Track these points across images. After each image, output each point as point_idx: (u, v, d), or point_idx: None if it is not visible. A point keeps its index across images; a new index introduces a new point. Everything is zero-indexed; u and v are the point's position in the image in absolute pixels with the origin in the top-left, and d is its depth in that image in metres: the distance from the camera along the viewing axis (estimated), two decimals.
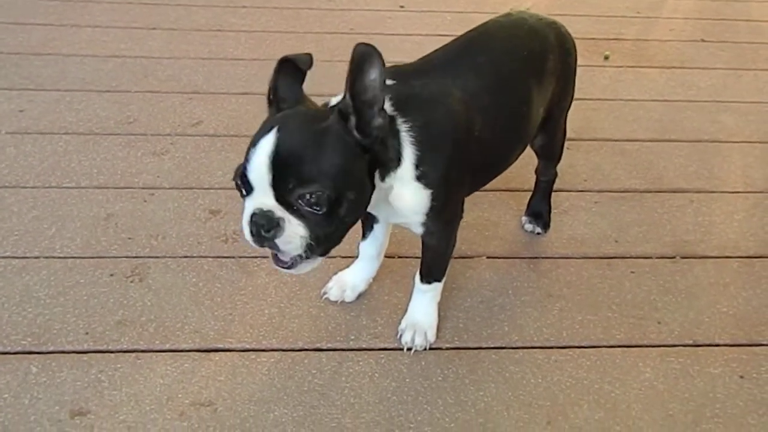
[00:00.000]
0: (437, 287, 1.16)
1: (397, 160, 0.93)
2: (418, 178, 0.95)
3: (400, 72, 0.98)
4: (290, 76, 0.90)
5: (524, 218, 1.46)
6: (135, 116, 1.81)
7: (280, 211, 0.83)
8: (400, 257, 1.36)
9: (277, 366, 1.12)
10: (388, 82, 0.91)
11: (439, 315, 1.20)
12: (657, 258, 1.39)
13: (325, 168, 0.82)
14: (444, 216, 1.03)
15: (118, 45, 2.20)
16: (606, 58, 2.24)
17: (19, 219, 1.42)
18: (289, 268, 0.91)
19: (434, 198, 0.97)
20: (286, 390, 1.08)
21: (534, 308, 1.26)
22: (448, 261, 1.14)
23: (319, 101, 0.96)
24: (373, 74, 0.81)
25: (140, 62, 2.10)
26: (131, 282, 1.28)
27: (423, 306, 1.18)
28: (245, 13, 2.50)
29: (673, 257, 1.40)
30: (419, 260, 1.15)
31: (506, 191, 1.58)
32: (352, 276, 1.26)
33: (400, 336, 1.17)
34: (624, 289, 1.31)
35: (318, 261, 0.92)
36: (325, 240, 0.88)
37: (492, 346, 1.18)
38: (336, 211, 0.85)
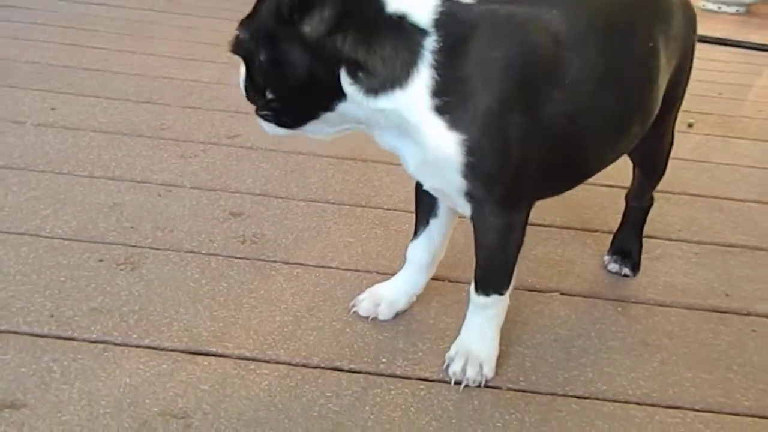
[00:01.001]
0: (498, 303, 0.87)
1: (402, 78, 0.70)
2: (439, 111, 0.70)
3: None
4: None
5: (608, 257, 1.18)
6: (169, 124, 1.66)
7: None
8: (451, 281, 1.09)
9: (281, 382, 0.84)
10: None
11: (500, 347, 0.91)
12: None
13: (252, 12, 0.75)
14: (499, 191, 0.76)
15: (169, 70, 2.12)
16: (690, 125, 2.02)
17: (14, 198, 1.23)
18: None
19: (471, 151, 0.71)
20: (289, 412, 0.79)
21: (626, 356, 0.96)
22: (512, 265, 0.85)
23: None
24: None
25: (187, 84, 1.99)
26: (121, 270, 1.04)
27: (479, 329, 0.89)
28: None
29: None
30: None
31: (582, 230, 1.31)
32: (391, 289, 0.99)
33: (448, 365, 0.88)
34: (747, 349, 1.00)
35: (266, 125, 0.82)
36: (251, 91, 0.79)
37: (572, 394, 0.87)
38: (255, 63, 0.75)
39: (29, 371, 0.82)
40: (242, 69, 0.79)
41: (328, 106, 0.75)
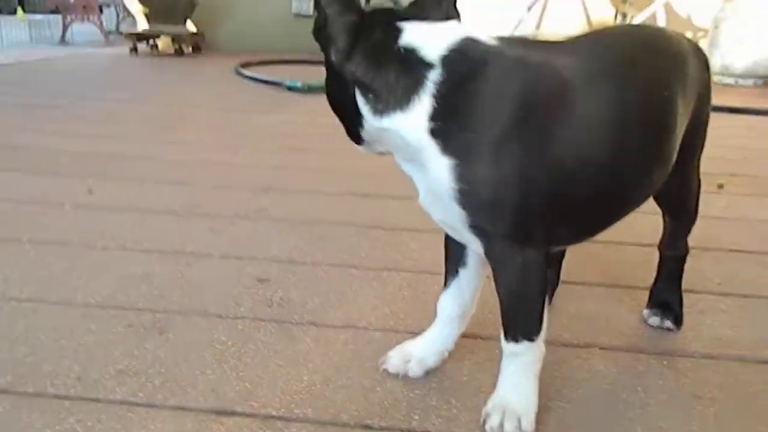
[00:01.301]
0: (531, 351, 0.83)
1: (404, 103, 0.74)
2: (433, 134, 0.73)
3: (516, 40, 0.81)
4: None
5: (647, 311, 1.13)
6: (201, 203, 1.70)
7: None
8: (483, 339, 1.05)
9: None
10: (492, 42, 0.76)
11: (539, 402, 0.86)
12: None
13: None
14: (505, 226, 0.75)
15: (202, 155, 2.21)
16: (720, 186, 1.99)
17: (50, 270, 1.26)
18: None
19: (462, 177, 0.72)
20: None
21: (677, 410, 0.89)
22: (537, 308, 0.81)
23: None
24: None
25: (218, 167, 2.07)
26: (149, 334, 1.04)
27: (515, 380, 0.84)
28: (324, 135, 2.51)
29: None
30: None
31: (618, 287, 1.27)
32: (421, 346, 0.96)
33: (485, 421, 0.83)
34: None
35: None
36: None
37: None
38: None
39: None
40: None
41: (359, 123, 0.80)
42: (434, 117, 0.73)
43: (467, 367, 0.98)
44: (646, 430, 0.85)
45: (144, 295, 1.17)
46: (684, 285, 1.18)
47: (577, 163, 0.76)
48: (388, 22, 0.77)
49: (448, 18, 0.79)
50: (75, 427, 0.81)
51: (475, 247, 0.81)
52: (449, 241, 0.91)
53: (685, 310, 1.14)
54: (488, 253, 0.79)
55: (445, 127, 0.73)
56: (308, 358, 0.99)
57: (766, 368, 1.01)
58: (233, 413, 0.85)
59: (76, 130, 2.54)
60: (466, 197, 0.74)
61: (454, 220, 0.77)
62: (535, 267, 0.78)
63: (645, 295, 1.17)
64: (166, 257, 1.34)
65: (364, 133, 0.81)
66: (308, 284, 1.24)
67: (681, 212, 1.07)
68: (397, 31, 0.76)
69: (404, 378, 0.94)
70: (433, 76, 0.73)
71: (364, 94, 0.77)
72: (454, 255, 0.92)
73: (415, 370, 0.94)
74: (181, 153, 2.23)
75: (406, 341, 0.98)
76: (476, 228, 0.76)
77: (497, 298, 0.82)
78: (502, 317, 0.82)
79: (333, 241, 1.46)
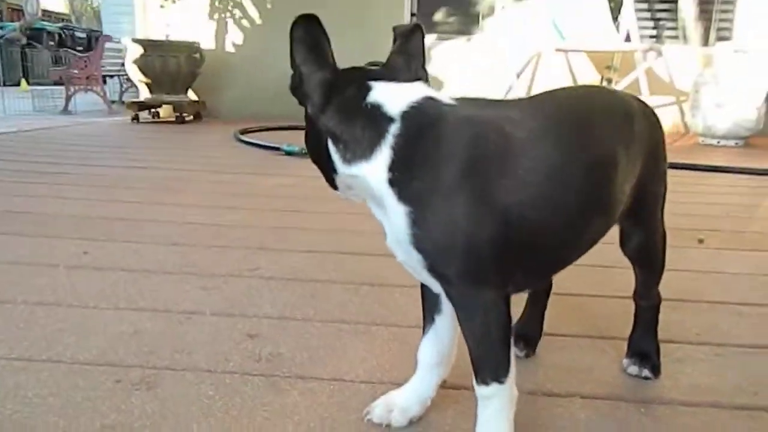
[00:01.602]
0: (502, 394, 0.85)
1: (368, 153, 0.82)
2: (390, 183, 0.81)
3: (473, 99, 0.89)
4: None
5: (626, 360, 1.16)
6: (194, 262, 1.74)
7: None
8: (467, 389, 1.07)
9: None
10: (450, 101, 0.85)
11: None
12: None
13: None
14: (457, 268, 0.80)
15: (196, 217, 2.27)
16: (701, 241, 2.04)
17: (41, 329, 1.28)
18: None
19: (416, 223, 0.79)
20: None
21: None
22: (501, 349, 0.84)
23: None
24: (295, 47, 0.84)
25: (214, 228, 2.12)
26: (136, 390, 1.05)
27: (489, 424, 0.87)
28: (318, 197, 2.58)
29: None
30: None
31: (599, 338, 1.30)
32: (404, 395, 0.98)
33: None
34: None
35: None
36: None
37: None
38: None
39: None
40: None
41: (332, 169, 0.87)
42: (392, 167, 0.80)
43: (450, 416, 1.00)
44: None
45: (134, 351, 1.19)
46: (664, 335, 1.21)
47: (520, 211, 0.82)
48: (360, 80, 0.85)
49: (416, 79, 0.87)
50: None
51: (436, 289, 0.86)
52: (425, 289, 0.95)
53: (663, 359, 1.17)
54: (449, 296, 0.84)
55: (401, 176, 0.80)
56: (294, 411, 1.00)
57: (742, 414, 1.03)
58: None
59: (75, 195, 2.61)
60: (420, 242, 0.80)
61: (413, 262, 0.83)
62: (495, 309, 0.82)
63: (626, 346, 1.20)
64: (157, 315, 1.37)
65: (338, 180, 0.88)
66: (298, 339, 1.27)
67: (648, 263, 1.12)
68: (367, 89, 0.84)
69: (387, 428, 0.95)
70: (393, 129, 0.81)
71: (336, 144, 0.84)
72: (429, 302, 0.96)
73: (398, 419, 0.96)
74: (178, 215, 2.28)
75: (390, 391, 1.01)
76: (434, 271, 0.82)
77: None
78: (471, 360, 0.86)
79: (324, 298, 1.49)
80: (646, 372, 1.13)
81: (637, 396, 1.08)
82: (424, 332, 0.97)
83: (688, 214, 2.45)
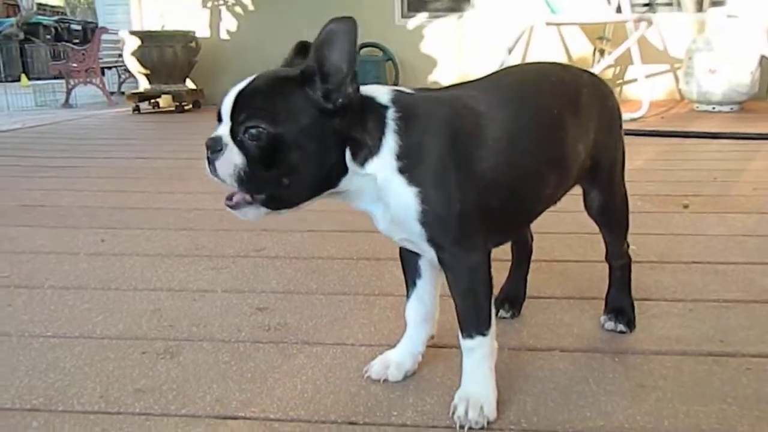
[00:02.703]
0: (484, 344, 0.97)
1: (377, 147, 0.90)
2: (401, 171, 0.90)
3: (426, 89, 1.00)
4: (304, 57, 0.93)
5: (603, 317, 1.27)
6: (204, 245, 1.86)
7: (227, 138, 0.90)
8: (457, 348, 1.18)
9: None
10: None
11: (500, 395, 0.99)
12: None
13: (273, 109, 0.87)
14: (453, 235, 0.92)
15: (203, 203, 2.38)
16: (685, 206, 2.14)
17: (70, 310, 1.40)
18: (233, 208, 0.95)
19: (424, 200, 0.89)
20: None
21: (623, 398, 1.02)
22: (485, 304, 0.96)
23: None
24: (341, 46, 0.85)
25: (221, 212, 2.22)
26: (161, 358, 1.18)
27: (474, 373, 0.98)
28: None
29: None
30: None
31: (580, 299, 1.41)
32: (398, 352, 1.10)
33: (453, 412, 0.96)
34: (740, 384, 1.05)
35: (262, 211, 0.93)
36: (260, 180, 0.89)
37: (571, 430, 0.94)
38: (279, 155, 0.87)
39: None
40: (233, 156, 0.89)
41: (336, 177, 0.92)
42: (399, 156, 0.90)
43: (440, 371, 1.12)
44: (593, 414, 0.98)
45: (156, 326, 1.31)
46: (641, 294, 1.33)
47: (496, 174, 0.94)
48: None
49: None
50: None
51: (430, 256, 0.97)
52: (404, 259, 1.08)
53: (639, 315, 1.28)
54: (441, 261, 0.95)
55: (408, 162, 0.90)
56: (301, 371, 1.12)
57: (709, 360, 1.14)
58: (236, 417, 0.98)
59: (87, 187, 2.72)
60: (425, 216, 0.90)
61: (414, 237, 0.94)
62: (479, 269, 0.94)
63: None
64: (174, 294, 1.48)
65: (341, 184, 0.92)
66: (303, 310, 1.38)
67: (611, 223, 1.23)
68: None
69: (385, 382, 1.07)
70: (390, 115, 0.91)
71: (351, 145, 0.90)
72: (410, 269, 1.08)
73: (394, 374, 1.07)
74: (185, 202, 2.40)
75: (385, 351, 1.12)
76: (432, 241, 0.93)
77: None
78: (458, 316, 0.97)
79: (326, 272, 1.61)
80: (621, 326, 1.24)
81: (611, 347, 1.19)
82: (408, 296, 1.09)
83: (677, 181, 2.55)
